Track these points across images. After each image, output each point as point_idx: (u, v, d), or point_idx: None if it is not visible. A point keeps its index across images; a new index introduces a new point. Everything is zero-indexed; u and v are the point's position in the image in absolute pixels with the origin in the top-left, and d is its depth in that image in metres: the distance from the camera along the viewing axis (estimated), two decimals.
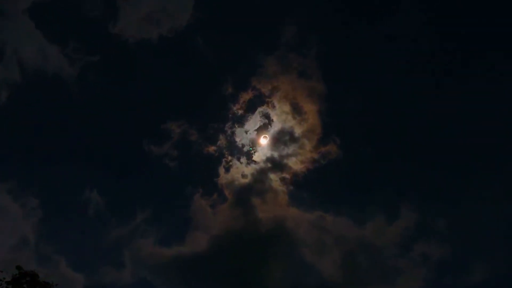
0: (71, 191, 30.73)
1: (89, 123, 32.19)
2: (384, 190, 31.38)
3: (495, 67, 30.52)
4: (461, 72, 31.72)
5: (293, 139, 32.29)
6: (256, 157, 32.46)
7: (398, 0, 32.76)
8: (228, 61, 33.42)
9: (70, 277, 28.13)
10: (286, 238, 30.56)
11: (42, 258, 28.83)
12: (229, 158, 32.51)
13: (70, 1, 31.68)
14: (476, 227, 29.17)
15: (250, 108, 32.59)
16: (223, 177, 32.24)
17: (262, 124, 32.42)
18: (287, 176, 32.00)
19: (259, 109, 32.54)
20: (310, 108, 32.42)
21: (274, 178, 32.08)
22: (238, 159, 32.52)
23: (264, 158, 32.36)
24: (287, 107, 32.51)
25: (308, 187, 32.10)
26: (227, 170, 32.33)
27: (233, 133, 32.54)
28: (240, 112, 32.60)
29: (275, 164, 32.18)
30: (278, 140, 32.43)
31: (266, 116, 32.46)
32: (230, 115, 32.66)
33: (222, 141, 32.58)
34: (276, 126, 32.50)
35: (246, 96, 32.64)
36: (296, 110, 32.48)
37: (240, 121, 32.56)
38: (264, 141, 32.59)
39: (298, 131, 32.36)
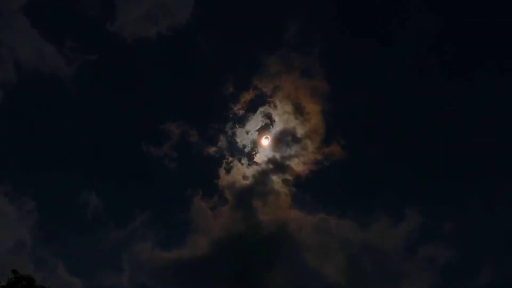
0: (69, 193, 30.80)
1: (87, 124, 32.24)
2: (388, 192, 31.40)
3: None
4: (468, 72, 31.78)
5: (295, 139, 32.34)
6: (257, 158, 32.56)
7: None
8: (228, 60, 33.46)
9: (67, 281, 28.20)
10: (288, 242, 30.61)
11: (39, 261, 28.94)
12: (230, 159, 32.56)
13: None
14: (483, 230, 29.21)
15: (251, 108, 32.67)
16: (224, 179, 32.30)
17: (263, 124, 32.50)
18: (289, 177, 32.06)
19: (261, 109, 32.62)
20: (312, 108, 32.46)
21: (276, 179, 32.14)
22: (239, 160, 32.56)
23: (265, 159, 32.45)
24: (289, 107, 32.58)
25: (311, 189, 32.15)
26: (228, 171, 32.38)
27: (234, 133, 32.63)
28: (241, 112, 32.67)
29: (277, 166, 32.23)
30: (280, 140, 32.47)
31: (268, 116, 32.54)
32: (230, 115, 32.72)
33: (222, 142, 32.69)
34: (278, 127, 32.58)
35: (247, 96, 32.73)
36: (299, 110, 32.53)
37: (241, 121, 32.63)
38: (265, 141, 32.68)
39: (300, 131, 32.41)
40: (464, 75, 31.67)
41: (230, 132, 32.52)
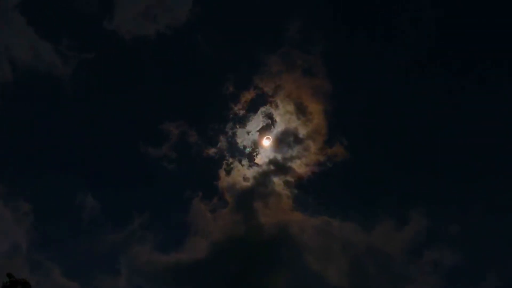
0: (65, 195, 30.74)
1: (84, 124, 32.24)
2: (392, 194, 31.36)
3: None
4: (472, 71, 31.78)
5: (297, 140, 32.24)
6: (258, 159, 32.50)
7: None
8: (229, 59, 33.42)
9: (63, 285, 28.24)
10: (290, 244, 30.50)
11: (34, 265, 28.85)
12: (230, 160, 32.51)
13: None
14: (489, 232, 29.12)
15: (252, 108, 32.61)
16: (224, 180, 32.25)
17: (264, 124, 32.45)
18: (291, 179, 31.98)
19: (262, 109, 32.56)
20: (315, 107, 32.36)
21: (277, 181, 32.06)
22: (240, 161, 32.51)
23: (266, 160, 32.37)
24: (291, 107, 32.49)
25: (313, 191, 32.05)
26: (228, 172, 32.33)
27: (234, 134, 32.58)
28: (242, 112, 32.62)
29: (279, 167, 32.14)
30: (282, 141, 32.40)
31: (269, 117, 32.49)
32: (231, 116, 32.66)
33: (222, 142, 32.64)
34: (279, 127, 32.51)
35: (248, 96, 32.67)
36: (301, 110, 32.45)
37: (242, 121, 32.59)
38: (266, 142, 32.60)
39: (302, 132, 32.32)
40: (468, 75, 31.74)
41: (230, 133, 32.59)
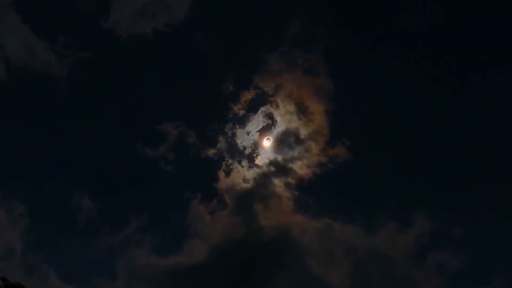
0: (61, 196, 30.68)
1: (79, 124, 32.14)
2: (396, 195, 31.21)
3: None
4: (479, 72, 31.70)
5: (298, 141, 32.21)
6: (258, 160, 32.50)
7: None
8: (228, 58, 33.36)
9: None
10: (291, 248, 30.43)
11: (30, 268, 28.88)
12: (230, 161, 32.48)
13: None
14: (495, 235, 28.94)
15: (252, 108, 32.59)
16: (223, 182, 32.22)
17: (265, 125, 32.46)
18: (292, 181, 31.96)
19: (262, 109, 32.55)
20: (317, 107, 32.33)
21: (277, 183, 32.04)
22: (239, 163, 32.49)
23: (267, 161, 32.38)
24: (292, 107, 32.48)
25: (315, 193, 31.93)
26: (228, 174, 32.31)
27: (233, 134, 32.55)
28: (242, 112, 32.60)
29: (279, 168, 32.13)
30: (282, 142, 32.38)
31: (270, 117, 32.49)
32: (230, 116, 32.64)
33: (222, 143, 32.60)
34: (280, 127, 32.50)
35: (248, 95, 32.64)
36: (302, 110, 32.42)
37: (242, 121, 32.57)
38: (267, 143, 32.59)
39: (304, 132, 32.29)
40: (471, 74, 31.72)
41: (230, 133, 32.57)
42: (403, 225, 30.22)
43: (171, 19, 32.08)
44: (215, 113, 32.79)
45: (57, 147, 31.59)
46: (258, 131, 32.36)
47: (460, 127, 31.14)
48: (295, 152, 32.13)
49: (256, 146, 32.42)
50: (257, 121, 32.38)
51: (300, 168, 31.90)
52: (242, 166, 32.36)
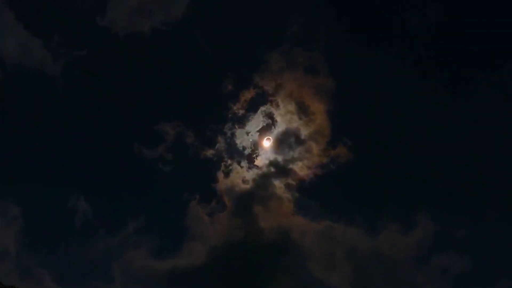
0: (56, 198, 30.58)
1: (76, 124, 32.06)
2: (399, 197, 31.16)
3: None
4: (484, 72, 31.63)
5: (299, 141, 32.10)
6: (258, 161, 32.38)
7: None
8: (228, 57, 33.19)
9: None
10: (291, 250, 30.38)
11: (24, 271, 28.81)
12: (229, 162, 32.36)
13: None
14: (500, 238, 28.99)
15: (252, 107, 32.46)
16: (222, 183, 32.11)
17: (265, 125, 32.33)
18: (292, 182, 31.85)
19: (262, 109, 32.42)
20: (317, 107, 32.22)
21: (278, 184, 31.92)
22: (239, 163, 32.37)
23: (267, 162, 32.26)
24: (292, 106, 32.36)
25: (316, 194, 31.83)
26: (227, 175, 32.18)
27: (233, 134, 32.44)
28: (241, 112, 32.48)
29: (279, 169, 32.01)
30: (283, 142, 32.26)
31: (270, 116, 32.36)
32: (230, 115, 32.51)
33: (221, 143, 32.49)
34: (280, 127, 32.38)
35: (247, 95, 32.51)
36: (302, 110, 32.30)
37: (241, 121, 32.45)
38: (267, 143, 32.49)
39: (304, 132, 32.18)
40: (477, 74, 31.70)
41: (229, 133, 32.45)
42: (405, 227, 30.30)
43: (169, 17, 32.10)
44: (214, 113, 32.78)
45: (53, 147, 31.60)
46: (258, 131, 32.36)
47: (463, 127, 31.26)
48: (296, 153, 32.11)
49: (255, 146, 32.43)
50: (256, 121, 32.36)
51: (301, 169, 31.89)
52: (242, 167, 32.35)
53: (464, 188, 30.53)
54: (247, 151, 32.39)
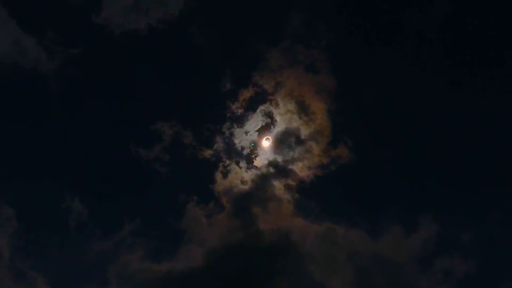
0: (50, 199, 30.44)
1: (70, 123, 31.85)
2: (401, 199, 31.02)
3: None
4: (491, 72, 31.44)
5: (299, 141, 32.00)
6: (257, 161, 32.31)
7: None
8: (226, 54, 32.91)
9: None
10: (291, 253, 30.29)
11: (18, 274, 28.85)
12: (227, 162, 32.25)
13: None
14: (505, 241, 29.03)
15: (251, 106, 32.32)
16: (220, 184, 32.00)
17: (264, 124, 32.23)
18: (292, 182, 31.74)
19: (261, 108, 32.28)
20: (318, 106, 32.06)
21: (277, 185, 31.82)
22: (237, 164, 32.26)
23: (266, 162, 32.18)
24: (292, 106, 32.22)
25: (316, 196, 31.71)
26: (225, 175, 32.08)
27: (231, 134, 32.31)
28: (240, 111, 32.31)
29: (279, 169, 31.91)
30: (282, 142, 32.16)
31: (269, 116, 32.26)
32: (228, 115, 32.36)
33: (219, 143, 32.35)
34: (279, 127, 32.27)
35: (246, 93, 32.31)
36: (303, 109, 32.17)
37: (240, 121, 32.32)
38: (266, 143, 32.40)
39: (304, 132, 32.06)
40: (484, 74, 31.54)
41: (227, 133, 32.33)
42: (408, 229, 30.27)
43: (166, 14, 31.82)
44: (212, 112, 32.63)
45: (47, 147, 31.43)
46: (257, 131, 32.27)
47: (467, 128, 31.14)
48: (296, 153, 32.00)
49: (254, 146, 32.35)
50: (255, 120, 32.26)
51: (301, 169, 31.78)
52: (240, 167, 32.28)
53: (468, 190, 30.49)
54: (245, 151, 32.42)
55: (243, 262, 30.05)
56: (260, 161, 32.26)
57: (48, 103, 31.65)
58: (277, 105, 32.27)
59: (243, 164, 32.25)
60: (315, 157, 31.69)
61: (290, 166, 31.84)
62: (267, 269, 29.84)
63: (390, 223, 30.40)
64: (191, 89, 32.77)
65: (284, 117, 32.23)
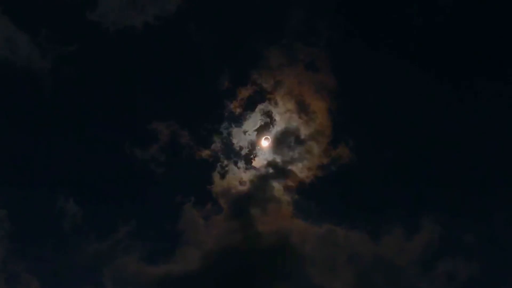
0: (44, 200, 30.31)
1: (64, 123, 31.70)
2: (403, 200, 30.92)
3: None
4: (491, 73, 31.37)
5: (298, 141, 31.83)
6: (256, 161, 32.13)
7: None
8: (224, 52, 32.76)
9: None
10: (290, 255, 30.14)
11: (11, 277, 28.81)
12: (225, 162, 32.07)
13: None
14: (509, 242, 29.02)
15: (250, 105, 32.15)
16: (218, 185, 31.80)
17: (263, 124, 32.06)
18: (291, 183, 31.55)
19: (260, 107, 32.10)
20: (318, 105, 31.89)
21: (276, 186, 31.63)
22: (235, 164, 32.09)
23: (265, 162, 31.98)
24: (291, 105, 32.06)
25: (316, 197, 31.54)
26: (223, 176, 31.92)
27: (229, 134, 32.14)
28: (238, 110, 32.13)
29: (278, 170, 31.70)
30: (281, 142, 31.98)
31: (268, 115, 32.07)
32: (226, 114, 32.17)
33: (216, 143, 32.15)
34: (279, 126, 32.09)
35: (244, 92, 32.13)
36: (302, 108, 32.00)
37: (238, 120, 32.15)
38: (265, 143, 32.24)
39: (304, 132, 31.88)
40: (485, 73, 31.43)
41: (225, 133, 32.14)
42: (410, 231, 30.15)
43: (162, 11, 31.64)
44: (209, 111, 32.45)
45: (40, 147, 31.33)
46: (255, 130, 32.09)
47: (470, 128, 31.04)
48: (295, 153, 31.79)
49: (253, 146, 32.17)
50: (254, 120, 32.07)
51: (301, 170, 31.57)
52: (239, 168, 32.09)
53: (471, 191, 30.42)
54: (244, 151, 32.20)
55: (241, 265, 29.87)
56: (259, 162, 32.14)
57: (41, 101, 31.58)
58: (276, 104, 32.13)
59: (241, 164, 32.15)
60: (315, 158, 31.58)
61: (290, 167, 31.70)
62: (266, 272, 29.67)
63: (391, 225, 30.32)
64: (188, 88, 32.73)
65: (284, 116, 32.10)
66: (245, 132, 32.16)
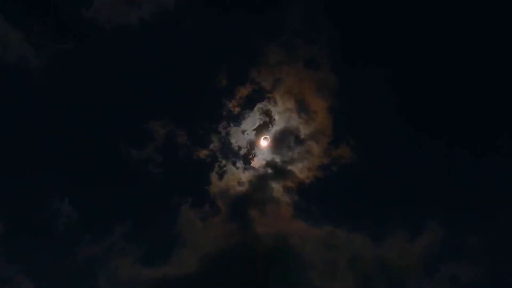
0: (37, 200, 30.26)
1: (59, 122, 31.50)
2: (406, 201, 30.73)
3: None
4: (492, 70, 31.24)
5: (298, 141, 31.87)
6: (254, 161, 32.09)
7: None
8: (222, 49, 32.60)
9: None
10: (290, 258, 30.19)
11: (3, 279, 28.68)
12: (223, 162, 32.03)
13: None
14: None
15: (248, 104, 32.15)
16: (216, 185, 31.78)
17: (261, 123, 32.07)
18: (291, 184, 31.56)
19: (259, 106, 32.10)
20: (318, 104, 31.90)
21: (276, 186, 31.65)
22: (234, 164, 32.07)
23: (264, 163, 32.01)
24: (291, 103, 32.09)
25: (316, 198, 31.54)
26: (221, 176, 31.88)
27: (228, 133, 32.12)
28: (237, 109, 32.11)
29: (277, 170, 31.75)
30: (281, 142, 32.04)
31: (267, 114, 32.06)
32: (224, 113, 32.16)
33: (215, 143, 32.14)
34: (278, 126, 32.12)
35: (243, 91, 32.12)
36: (302, 107, 32.03)
37: (236, 119, 32.13)
38: (264, 143, 32.25)
39: (304, 131, 31.90)
40: (488, 73, 31.24)
41: (223, 132, 32.12)
42: (413, 233, 30.24)
43: (159, 7, 31.58)
44: (207, 110, 32.41)
45: (35, 146, 31.13)
46: (254, 130, 32.10)
47: (473, 127, 31.05)
48: (295, 153, 31.82)
49: (252, 146, 32.15)
50: (253, 119, 32.07)
51: (301, 170, 31.57)
52: (237, 168, 32.06)
53: (476, 192, 30.04)
54: (242, 151, 32.18)
55: (240, 267, 29.85)
56: (257, 162, 32.12)
57: (35, 100, 31.44)
58: (275, 103, 32.13)
59: (240, 164, 32.13)
60: (315, 158, 31.59)
61: (289, 167, 31.74)
62: (264, 274, 29.69)
63: (394, 227, 30.31)
64: (185, 86, 32.49)
65: (283, 115, 32.14)
66: (243, 132, 32.21)
